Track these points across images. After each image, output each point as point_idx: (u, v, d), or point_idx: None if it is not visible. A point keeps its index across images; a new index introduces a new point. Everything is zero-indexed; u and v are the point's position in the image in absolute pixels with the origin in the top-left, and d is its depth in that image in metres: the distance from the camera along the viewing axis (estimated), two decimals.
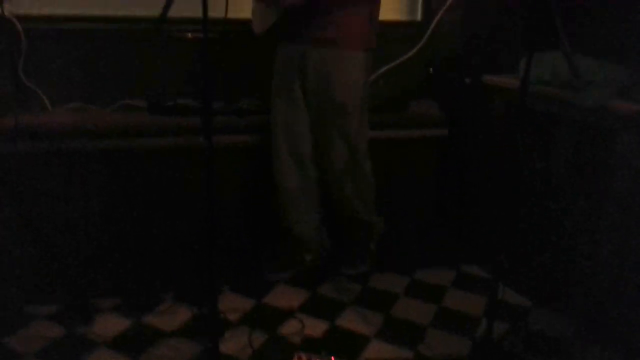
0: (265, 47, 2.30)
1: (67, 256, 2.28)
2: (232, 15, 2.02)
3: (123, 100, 2.59)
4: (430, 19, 2.81)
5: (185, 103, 2.54)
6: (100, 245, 2.46)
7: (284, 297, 2.28)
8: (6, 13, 2.31)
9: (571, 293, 2.15)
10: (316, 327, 2.08)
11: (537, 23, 1.67)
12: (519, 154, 1.79)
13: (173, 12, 1.55)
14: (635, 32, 1.99)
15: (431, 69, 2.81)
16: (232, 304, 2.20)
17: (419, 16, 2.95)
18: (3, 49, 2.39)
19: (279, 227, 2.41)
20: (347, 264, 2.46)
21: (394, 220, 2.52)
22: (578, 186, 2.15)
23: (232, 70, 2.60)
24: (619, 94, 1.95)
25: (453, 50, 2.79)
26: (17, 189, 2.16)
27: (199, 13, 1.52)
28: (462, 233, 2.74)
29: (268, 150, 2.32)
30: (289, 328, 2.06)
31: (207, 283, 1.75)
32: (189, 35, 2.59)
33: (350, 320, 2.13)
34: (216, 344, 1.73)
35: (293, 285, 2.37)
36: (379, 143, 2.42)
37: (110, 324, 2.05)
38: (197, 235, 2.09)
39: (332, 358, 1.80)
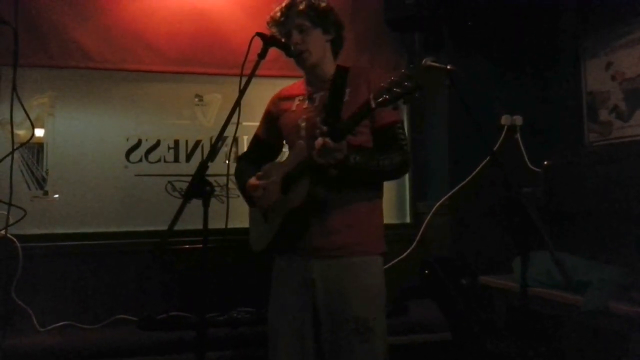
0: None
1: None
2: (231, 224, 1.90)
3: (114, 316, 2.52)
4: (419, 222, 2.92)
5: (176, 316, 2.47)
6: None
7: None
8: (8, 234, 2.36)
9: None
10: None
11: (523, 227, 1.71)
12: None
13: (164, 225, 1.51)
14: (623, 233, 2.06)
15: (427, 271, 2.81)
16: None
17: (408, 219, 3.08)
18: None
19: None
20: None
21: None
22: None
23: (226, 278, 2.54)
24: (617, 295, 1.93)
25: (445, 250, 2.84)
26: None
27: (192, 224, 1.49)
28: None
29: None
30: None
31: None
32: (187, 246, 2.64)
33: None
34: None
35: None
36: None
37: None
38: None
39: None
